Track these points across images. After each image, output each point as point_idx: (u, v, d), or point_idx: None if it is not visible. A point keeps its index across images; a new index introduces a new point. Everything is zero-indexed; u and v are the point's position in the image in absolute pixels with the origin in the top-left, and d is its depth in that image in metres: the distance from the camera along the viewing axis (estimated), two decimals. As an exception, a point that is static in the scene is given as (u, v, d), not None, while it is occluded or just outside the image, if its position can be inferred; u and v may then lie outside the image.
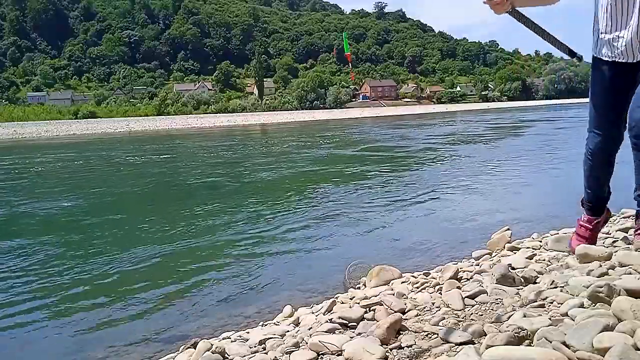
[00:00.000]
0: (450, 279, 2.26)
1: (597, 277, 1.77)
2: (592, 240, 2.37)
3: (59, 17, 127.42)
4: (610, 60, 2.09)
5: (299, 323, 2.34)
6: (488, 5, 1.98)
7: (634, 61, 2.03)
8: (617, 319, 1.33)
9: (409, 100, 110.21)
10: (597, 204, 2.38)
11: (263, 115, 68.20)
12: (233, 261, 4.12)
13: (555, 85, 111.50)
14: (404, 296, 2.20)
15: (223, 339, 2.37)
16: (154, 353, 2.54)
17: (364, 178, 8.68)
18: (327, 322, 1.96)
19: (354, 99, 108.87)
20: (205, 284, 3.61)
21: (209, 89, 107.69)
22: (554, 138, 15.87)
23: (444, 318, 1.74)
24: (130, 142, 24.46)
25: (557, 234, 2.97)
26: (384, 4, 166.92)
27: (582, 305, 1.53)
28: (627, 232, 2.69)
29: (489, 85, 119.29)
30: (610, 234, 2.75)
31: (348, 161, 11.90)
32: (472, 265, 2.72)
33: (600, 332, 1.26)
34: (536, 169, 8.84)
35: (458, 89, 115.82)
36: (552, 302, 1.66)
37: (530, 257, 2.49)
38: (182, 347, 2.33)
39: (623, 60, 2.05)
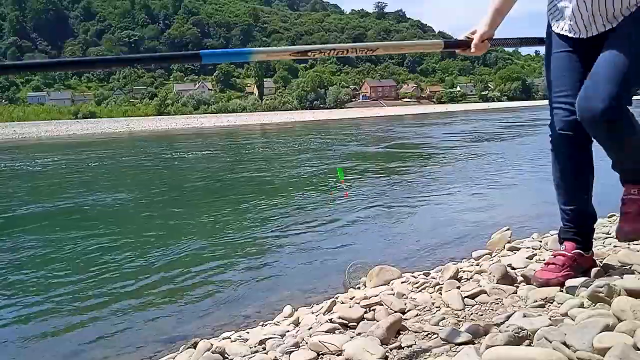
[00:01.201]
0: (450, 279, 2.26)
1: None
2: (564, 273, 1.78)
3: (59, 17, 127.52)
4: (559, 33, 1.78)
5: (299, 323, 2.34)
6: (466, 54, 1.92)
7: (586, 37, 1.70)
8: (617, 319, 1.33)
9: (409, 100, 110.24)
10: (577, 225, 1.84)
11: (263, 115, 68.23)
12: (233, 261, 4.12)
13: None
14: (404, 296, 2.19)
15: (223, 339, 2.37)
16: (154, 353, 2.54)
17: (363, 178, 8.68)
18: (327, 322, 1.95)
19: (354, 99, 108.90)
20: (205, 284, 3.61)
21: (209, 89, 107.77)
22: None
23: (444, 318, 1.74)
24: (132, 142, 24.46)
25: (558, 233, 2.96)
26: (384, 4, 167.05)
27: (582, 305, 1.53)
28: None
29: (489, 85, 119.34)
30: (610, 234, 2.74)
31: (346, 161, 11.90)
32: (472, 265, 2.71)
33: (600, 332, 1.26)
34: (537, 168, 8.84)
35: (458, 89, 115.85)
36: (552, 302, 1.66)
37: (530, 257, 2.48)
38: (182, 347, 2.33)
39: (573, 35, 1.73)
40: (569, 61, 1.75)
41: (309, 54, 1.65)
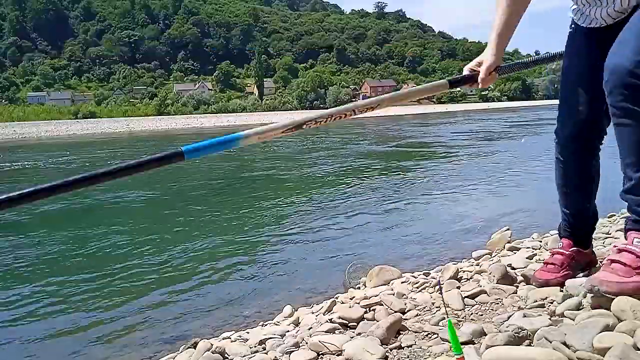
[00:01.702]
0: (450, 279, 2.26)
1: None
2: (563, 274, 1.75)
3: (59, 17, 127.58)
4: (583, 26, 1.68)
5: (299, 323, 2.34)
6: (473, 88, 1.83)
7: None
8: (617, 319, 1.33)
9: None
10: (578, 226, 1.82)
11: (263, 115, 68.26)
12: (233, 262, 4.12)
13: (555, 85, 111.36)
14: (404, 296, 2.19)
15: (223, 339, 2.37)
16: (154, 353, 2.54)
17: (364, 178, 8.67)
18: (327, 322, 1.95)
19: (354, 99, 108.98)
20: (206, 284, 3.61)
21: (209, 89, 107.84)
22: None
23: (444, 318, 1.74)
24: (134, 142, 24.45)
25: (558, 233, 2.96)
26: (384, 4, 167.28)
27: (581, 305, 1.53)
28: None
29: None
30: (610, 234, 2.74)
31: (346, 161, 11.90)
32: (472, 265, 2.71)
33: (600, 332, 1.26)
34: (538, 168, 8.84)
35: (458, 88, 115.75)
36: (552, 302, 1.66)
37: (530, 257, 2.48)
38: (182, 347, 2.33)
39: (593, 25, 1.63)
40: (587, 62, 1.65)
41: (304, 126, 1.51)
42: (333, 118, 1.54)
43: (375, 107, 1.63)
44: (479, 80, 1.75)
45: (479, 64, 1.76)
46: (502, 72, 1.79)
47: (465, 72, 1.82)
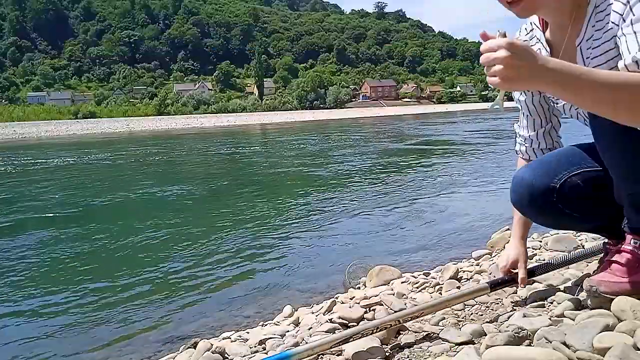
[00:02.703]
0: (450, 279, 2.26)
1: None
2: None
3: (59, 17, 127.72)
4: None
5: (299, 323, 2.34)
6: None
7: None
8: (617, 319, 1.33)
9: (409, 100, 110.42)
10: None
11: (263, 115, 68.32)
12: (233, 261, 4.12)
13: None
14: (404, 296, 2.20)
15: (223, 339, 2.37)
16: (154, 353, 2.54)
17: (364, 178, 8.68)
18: (327, 322, 1.96)
19: (354, 99, 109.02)
20: (205, 284, 3.61)
21: (209, 89, 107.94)
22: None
23: (444, 318, 1.74)
24: (135, 142, 24.46)
25: (557, 234, 2.96)
26: (384, 4, 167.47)
27: (581, 305, 1.53)
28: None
29: (489, 85, 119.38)
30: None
31: (347, 160, 11.90)
32: (472, 265, 2.71)
33: (600, 332, 1.26)
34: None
35: (458, 89, 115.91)
36: (552, 302, 1.66)
37: (531, 257, 2.48)
38: (182, 347, 2.33)
39: None
40: None
41: (351, 339, 1.54)
42: (379, 329, 1.57)
43: (419, 314, 1.63)
44: (520, 281, 1.72)
45: (514, 262, 1.74)
46: (540, 272, 1.79)
47: (499, 273, 1.79)
